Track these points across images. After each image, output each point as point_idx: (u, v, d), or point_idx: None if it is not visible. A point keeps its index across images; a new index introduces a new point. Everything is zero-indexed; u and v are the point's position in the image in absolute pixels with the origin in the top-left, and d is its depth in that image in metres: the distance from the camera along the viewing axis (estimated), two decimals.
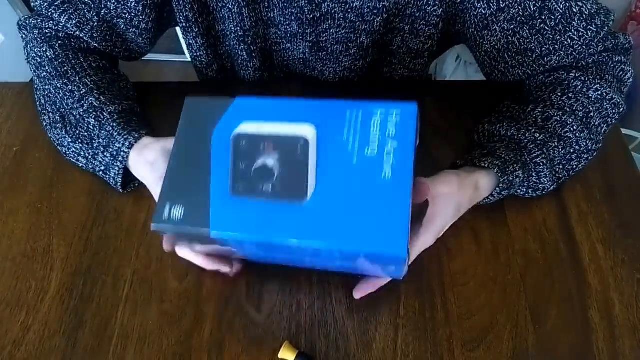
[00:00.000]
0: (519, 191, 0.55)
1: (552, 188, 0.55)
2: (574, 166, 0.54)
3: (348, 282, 0.51)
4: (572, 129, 0.53)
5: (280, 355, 0.46)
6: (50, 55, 0.59)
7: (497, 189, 0.51)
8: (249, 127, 0.41)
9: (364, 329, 0.48)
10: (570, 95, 0.54)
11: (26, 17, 0.61)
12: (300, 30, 0.62)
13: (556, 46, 0.54)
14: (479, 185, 0.51)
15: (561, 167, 0.54)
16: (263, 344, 0.48)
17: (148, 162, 0.52)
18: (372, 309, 0.50)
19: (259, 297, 0.51)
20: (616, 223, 0.55)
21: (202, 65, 0.71)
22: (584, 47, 0.54)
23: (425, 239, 0.46)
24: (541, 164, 0.52)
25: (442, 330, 0.48)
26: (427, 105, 0.65)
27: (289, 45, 0.66)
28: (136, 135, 0.54)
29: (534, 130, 0.53)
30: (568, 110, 0.53)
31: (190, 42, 0.66)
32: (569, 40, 0.54)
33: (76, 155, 0.58)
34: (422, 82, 0.75)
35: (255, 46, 0.65)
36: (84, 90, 0.57)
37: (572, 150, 0.53)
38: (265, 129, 0.40)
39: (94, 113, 0.55)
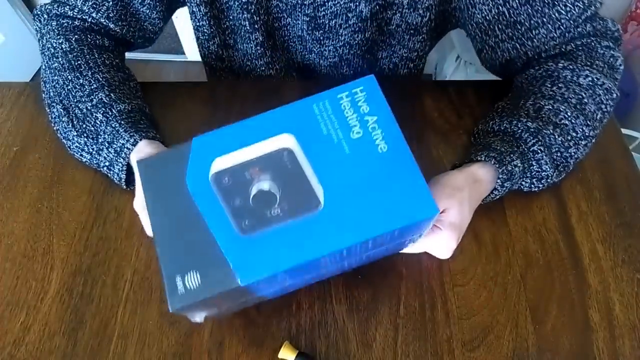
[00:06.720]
0: (523, 183, 0.55)
1: (554, 175, 0.54)
2: (572, 153, 0.54)
3: (348, 282, 0.51)
4: (566, 115, 0.53)
5: (280, 355, 0.46)
6: (66, 47, 0.60)
7: (499, 180, 0.51)
8: (223, 162, 0.37)
9: (364, 329, 0.48)
10: (560, 85, 0.55)
11: (42, 4, 0.63)
12: (299, 1, 0.62)
13: (544, 19, 0.55)
14: (477, 177, 0.50)
15: (559, 154, 0.53)
16: (263, 344, 0.48)
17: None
18: (372, 309, 0.50)
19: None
20: (616, 223, 0.55)
21: (204, 37, 0.71)
22: (571, 21, 0.55)
23: (434, 239, 0.47)
24: (539, 151, 0.52)
25: (442, 330, 0.48)
26: (427, 105, 0.65)
27: (289, 19, 0.66)
28: (143, 135, 0.54)
29: (525, 120, 0.53)
30: (559, 98, 0.54)
31: (194, 9, 0.67)
32: (556, 14, 0.55)
33: (80, 150, 0.58)
34: (422, 82, 0.75)
35: (258, 17, 0.65)
36: (95, 85, 0.57)
37: (569, 137, 0.53)
38: (241, 156, 0.37)
39: (103, 109, 0.56)
